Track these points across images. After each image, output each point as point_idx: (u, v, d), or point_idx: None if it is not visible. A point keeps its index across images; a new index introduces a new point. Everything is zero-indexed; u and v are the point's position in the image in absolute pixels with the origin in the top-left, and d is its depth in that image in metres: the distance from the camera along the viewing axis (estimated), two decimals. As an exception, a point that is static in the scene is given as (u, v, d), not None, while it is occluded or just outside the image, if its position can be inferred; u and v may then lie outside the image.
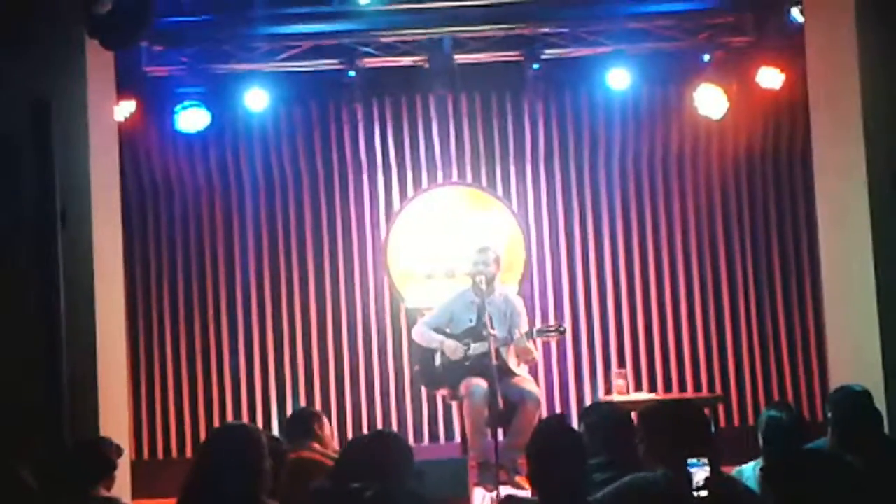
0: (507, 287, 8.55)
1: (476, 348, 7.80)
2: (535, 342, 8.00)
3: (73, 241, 6.15)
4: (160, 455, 9.22)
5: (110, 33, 6.53)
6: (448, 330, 8.06)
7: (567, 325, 9.22)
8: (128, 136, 8.71)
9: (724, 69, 8.81)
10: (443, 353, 7.98)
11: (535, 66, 8.80)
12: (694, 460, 4.16)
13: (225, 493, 3.93)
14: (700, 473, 4.20)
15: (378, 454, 4.19)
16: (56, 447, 5.70)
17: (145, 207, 9.46)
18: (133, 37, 6.76)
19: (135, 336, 9.19)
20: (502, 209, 9.50)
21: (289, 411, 9.26)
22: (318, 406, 9.24)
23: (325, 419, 6.11)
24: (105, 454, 5.08)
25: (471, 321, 7.94)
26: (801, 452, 4.29)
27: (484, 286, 7.89)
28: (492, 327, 7.67)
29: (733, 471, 5.20)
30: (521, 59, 8.85)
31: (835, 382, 6.59)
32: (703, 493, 4.10)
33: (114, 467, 5.08)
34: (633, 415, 7.25)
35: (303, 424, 5.95)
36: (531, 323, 8.56)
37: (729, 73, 8.83)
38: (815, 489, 3.35)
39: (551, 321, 9.09)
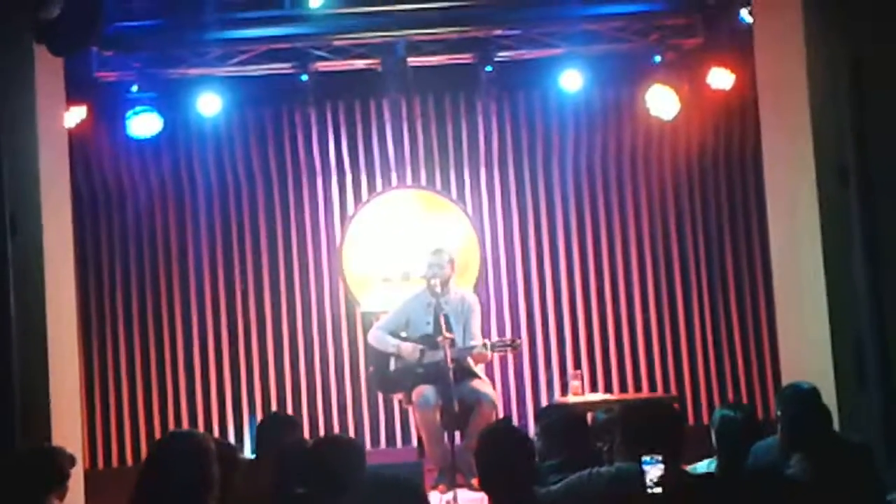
0: (464, 289, 8.56)
1: (431, 356, 7.78)
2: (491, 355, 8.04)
3: (24, 246, 6.10)
4: (114, 463, 9.16)
5: (58, 39, 6.49)
6: (404, 334, 8.06)
7: (522, 326, 9.27)
8: (79, 142, 8.63)
9: (675, 70, 8.87)
10: (398, 357, 7.99)
11: (489, 68, 8.80)
12: (647, 458, 4.19)
13: (172, 501, 3.91)
14: (654, 471, 4.22)
15: (325, 457, 4.18)
16: (7, 455, 5.65)
17: (97, 214, 9.39)
18: (81, 43, 6.73)
19: (88, 343, 9.12)
20: (456, 212, 9.51)
21: (245, 417, 9.24)
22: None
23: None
24: (58, 463, 5.02)
25: (428, 325, 7.93)
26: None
27: (439, 288, 7.89)
28: (447, 329, 7.67)
29: (687, 469, 5.23)
30: (475, 61, 8.86)
31: (787, 381, 6.63)
32: (658, 490, 4.13)
33: (66, 477, 5.03)
34: (589, 416, 7.31)
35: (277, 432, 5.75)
36: (485, 324, 8.59)
37: (680, 74, 8.89)
38: None
39: (506, 321, 9.14)
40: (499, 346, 7.92)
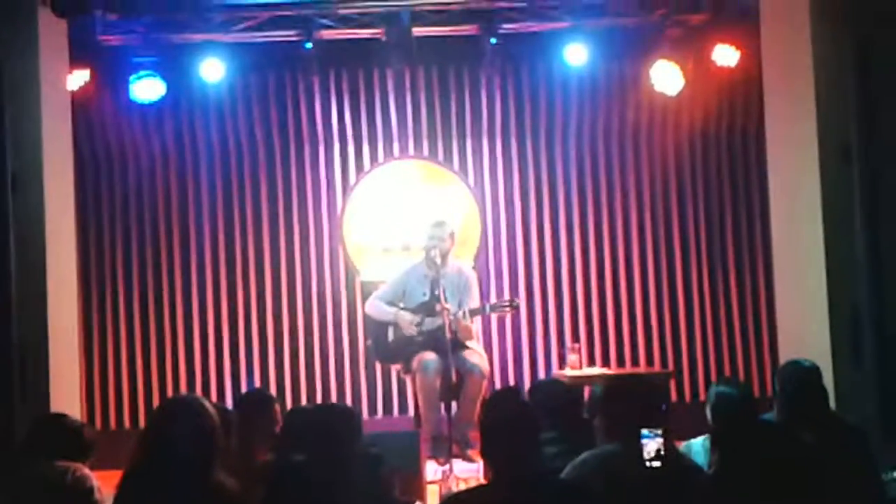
0: (462, 261, 8.57)
1: (429, 323, 7.82)
2: (489, 316, 8.06)
3: (25, 207, 6.11)
4: (112, 426, 9.18)
5: (62, 0, 6.48)
6: (401, 304, 8.07)
7: (522, 299, 9.25)
8: (82, 106, 8.64)
9: (681, 46, 8.86)
10: (396, 327, 8.01)
11: (493, 40, 8.76)
12: (646, 432, 4.20)
13: (176, 465, 3.88)
14: (652, 445, 4.24)
15: (322, 423, 4.18)
16: (5, 416, 5.68)
17: (100, 177, 9.38)
18: (85, 5, 6.70)
19: (88, 306, 9.13)
20: (458, 183, 9.50)
21: (243, 383, 9.26)
22: (272, 379, 9.26)
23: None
24: (87, 438, 5.04)
25: (424, 295, 7.96)
26: (753, 424, 4.33)
27: (438, 260, 7.89)
28: (445, 301, 7.69)
29: (682, 445, 5.25)
30: (479, 33, 8.82)
31: (784, 358, 6.65)
32: (657, 464, 4.14)
33: (93, 448, 5.04)
34: (586, 389, 7.33)
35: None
36: (485, 297, 8.63)
37: (685, 50, 8.88)
38: (761, 460, 3.38)
39: (506, 295, 9.13)
40: (497, 307, 7.98)
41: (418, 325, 7.89)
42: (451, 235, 8.07)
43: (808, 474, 3.41)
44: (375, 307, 8.14)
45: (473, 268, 8.79)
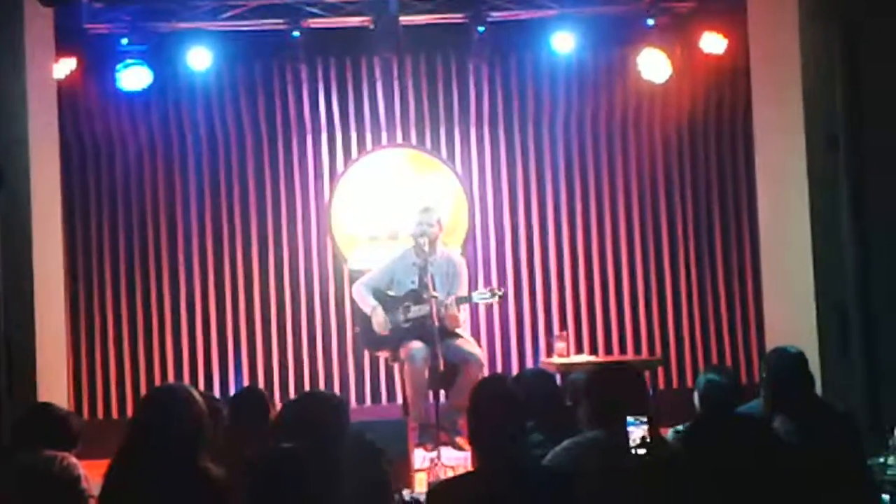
0: (451, 249, 8.58)
1: (417, 311, 7.81)
2: (476, 305, 8.05)
3: (11, 198, 6.10)
4: (100, 415, 9.17)
5: (48, -12, 6.46)
6: (391, 292, 8.07)
7: (510, 287, 9.27)
8: (69, 94, 8.61)
9: (668, 34, 8.86)
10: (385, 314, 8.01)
11: (481, 28, 8.78)
12: (632, 419, 4.21)
13: (164, 453, 3.88)
14: (637, 432, 4.25)
15: (310, 411, 4.18)
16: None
17: (86, 166, 9.35)
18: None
19: (75, 296, 9.10)
20: (446, 172, 9.49)
21: (230, 373, 9.26)
22: (259, 367, 9.26)
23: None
24: (74, 427, 5.05)
25: (413, 283, 7.95)
26: (732, 417, 4.33)
27: (426, 247, 7.89)
28: (434, 289, 7.68)
29: (670, 432, 5.26)
30: (467, 21, 8.83)
31: (770, 345, 6.68)
32: (642, 451, 4.15)
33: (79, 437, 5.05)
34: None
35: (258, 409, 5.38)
36: (472, 285, 8.61)
37: (672, 38, 8.88)
38: (728, 456, 3.37)
39: (494, 283, 9.12)
40: (483, 296, 7.98)
41: (391, 330, 7.89)
42: (439, 222, 8.07)
43: (787, 468, 3.42)
44: (360, 295, 8.14)
45: (462, 254, 8.80)
